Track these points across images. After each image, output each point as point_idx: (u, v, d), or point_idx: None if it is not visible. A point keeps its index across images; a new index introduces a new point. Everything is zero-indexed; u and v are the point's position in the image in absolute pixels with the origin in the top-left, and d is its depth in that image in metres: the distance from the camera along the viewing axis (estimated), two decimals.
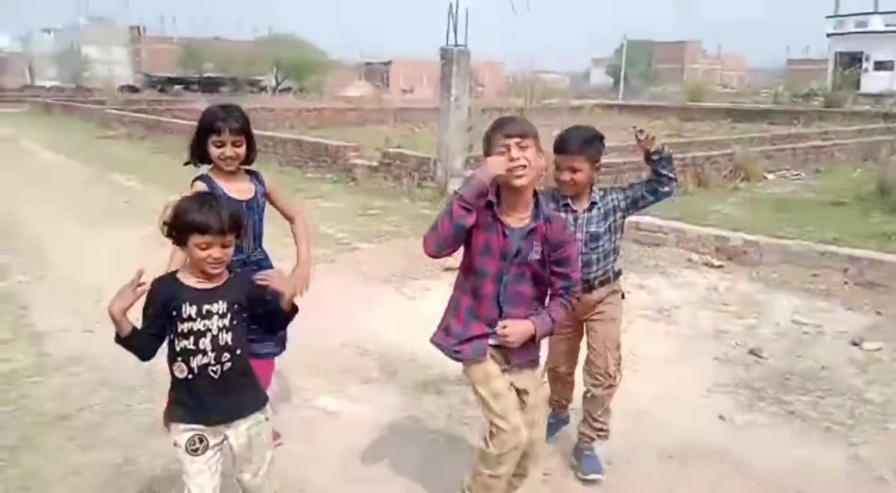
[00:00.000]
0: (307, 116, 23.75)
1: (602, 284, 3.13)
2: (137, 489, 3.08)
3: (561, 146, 2.99)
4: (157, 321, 2.28)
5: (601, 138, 3.07)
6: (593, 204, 3.05)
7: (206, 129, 2.99)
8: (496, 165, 2.38)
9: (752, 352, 4.67)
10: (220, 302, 2.31)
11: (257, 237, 3.21)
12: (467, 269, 2.58)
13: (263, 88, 49.59)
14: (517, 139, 2.42)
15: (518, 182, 2.42)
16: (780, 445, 3.58)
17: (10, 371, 4.27)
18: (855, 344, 4.81)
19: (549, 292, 2.62)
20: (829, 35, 51.29)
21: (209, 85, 49.08)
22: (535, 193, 2.53)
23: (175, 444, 2.35)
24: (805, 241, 6.89)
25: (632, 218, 7.39)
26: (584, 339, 3.24)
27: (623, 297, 3.28)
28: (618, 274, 3.22)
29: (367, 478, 3.21)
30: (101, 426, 3.62)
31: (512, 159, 2.39)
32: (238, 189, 3.07)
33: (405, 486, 3.16)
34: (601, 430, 3.26)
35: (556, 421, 3.52)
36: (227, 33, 61.76)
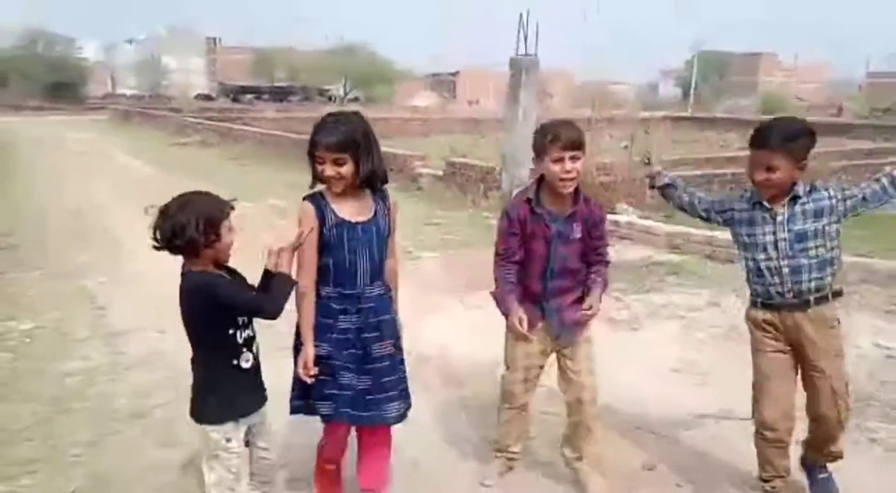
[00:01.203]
0: (375, 126, 23.99)
1: (818, 302, 2.75)
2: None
3: (758, 141, 2.70)
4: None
5: (811, 133, 2.72)
6: (796, 198, 2.71)
7: (310, 146, 2.56)
8: (515, 329, 2.88)
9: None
10: None
11: (375, 268, 2.65)
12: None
13: (332, 98, 50.53)
14: (572, 152, 2.69)
15: (566, 191, 2.77)
16: (860, 472, 3.39)
17: (88, 369, 4.42)
18: None
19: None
20: None
21: (279, 94, 50.30)
22: (576, 188, 2.82)
23: (228, 440, 2.41)
24: (888, 260, 6.58)
25: (704, 233, 7.26)
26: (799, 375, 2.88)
27: (839, 323, 2.83)
28: (837, 294, 2.80)
29: (424, 488, 3.19)
30: (174, 424, 3.70)
31: (566, 171, 2.70)
32: (351, 209, 2.61)
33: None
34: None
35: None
36: (298, 43, 63.32)
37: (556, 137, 2.70)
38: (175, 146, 19.32)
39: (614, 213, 8.99)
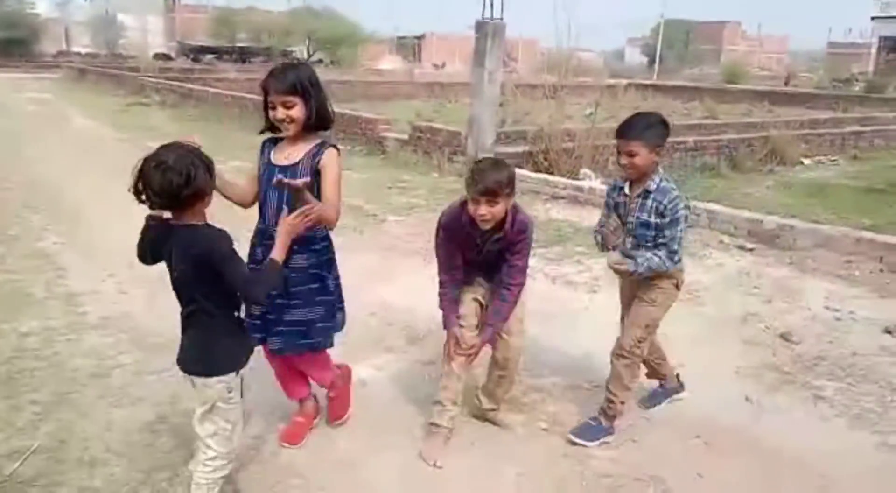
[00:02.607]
0: (338, 89, 23.67)
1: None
2: (170, 446, 3.15)
3: (621, 131, 3.11)
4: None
5: (665, 124, 3.14)
6: (648, 192, 3.11)
7: (262, 90, 2.79)
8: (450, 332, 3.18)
9: (781, 336, 4.63)
10: None
11: (287, 209, 2.74)
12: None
13: (295, 60, 49.55)
14: (488, 197, 2.84)
15: (484, 228, 2.95)
16: (807, 429, 3.55)
17: (46, 329, 4.37)
18: (888, 332, 4.74)
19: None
20: (873, 18, 49.82)
21: (241, 55, 49.18)
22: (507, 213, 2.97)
23: (229, 391, 2.43)
24: (840, 226, 6.78)
25: None
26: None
27: (677, 287, 3.32)
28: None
29: (393, 446, 3.25)
30: (133, 385, 3.70)
31: (480, 214, 2.87)
32: (285, 154, 2.84)
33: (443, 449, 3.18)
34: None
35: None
36: (261, 3, 61.73)
37: (473, 182, 2.86)
38: (133, 106, 18.84)
39: (577, 179, 9.07)
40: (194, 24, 58.84)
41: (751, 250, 6.50)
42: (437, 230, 3.17)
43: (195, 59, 46.25)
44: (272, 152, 2.89)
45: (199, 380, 2.42)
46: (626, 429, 3.41)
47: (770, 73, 45.83)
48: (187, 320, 2.44)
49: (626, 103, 14.14)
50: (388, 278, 5.52)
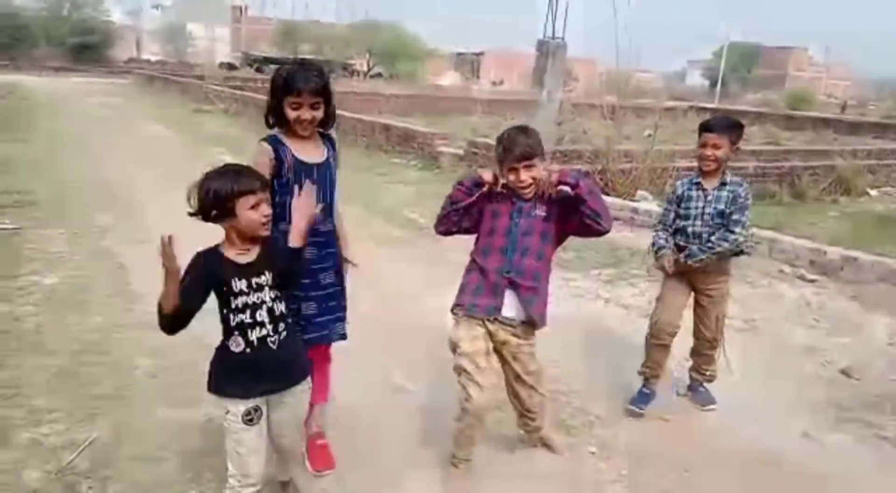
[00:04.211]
0: (396, 103, 23.97)
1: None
2: (218, 446, 3.19)
3: (708, 126, 3.57)
4: (197, 295, 2.27)
5: (743, 127, 3.65)
6: (724, 184, 3.57)
7: (283, 89, 2.75)
8: (488, 177, 2.85)
9: (842, 372, 4.47)
10: (266, 274, 2.37)
11: (327, 206, 2.91)
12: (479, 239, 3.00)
13: (355, 72, 50.33)
14: (525, 162, 2.80)
15: (527, 196, 2.87)
16: (866, 468, 3.42)
17: (109, 326, 4.51)
18: None
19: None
20: None
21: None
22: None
23: (227, 412, 2.41)
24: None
25: None
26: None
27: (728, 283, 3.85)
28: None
29: (432, 461, 3.23)
30: (188, 386, 3.77)
31: (520, 181, 2.81)
32: (309, 152, 2.85)
33: (473, 472, 3.15)
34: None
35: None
36: (325, 17, 62.96)
37: (507, 152, 2.83)
38: (197, 113, 19.38)
39: (634, 200, 8.96)
40: (259, 35, 60.37)
41: (812, 281, 6.31)
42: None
43: (258, 70, 47.30)
44: (292, 151, 2.81)
45: (298, 388, 2.51)
46: (681, 461, 3.33)
47: (837, 100, 44.63)
48: (283, 325, 2.44)
49: (686, 126, 13.94)
50: (437, 289, 5.52)
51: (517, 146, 2.81)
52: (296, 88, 2.72)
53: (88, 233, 6.70)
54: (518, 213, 2.89)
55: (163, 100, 23.64)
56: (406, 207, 8.35)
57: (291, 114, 2.76)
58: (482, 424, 3.03)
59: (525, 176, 2.81)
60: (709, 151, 3.52)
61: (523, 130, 2.93)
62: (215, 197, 2.25)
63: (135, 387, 3.73)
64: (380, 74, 50.32)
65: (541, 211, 2.89)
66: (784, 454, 3.47)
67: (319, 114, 2.80)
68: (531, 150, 2.80)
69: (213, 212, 2.27)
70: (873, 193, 12.15)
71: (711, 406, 3.88)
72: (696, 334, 3.86)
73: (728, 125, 3.57)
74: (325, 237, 2.93)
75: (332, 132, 3.00)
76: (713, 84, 53.02)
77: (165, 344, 4.24)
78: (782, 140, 17.98)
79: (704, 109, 26.20)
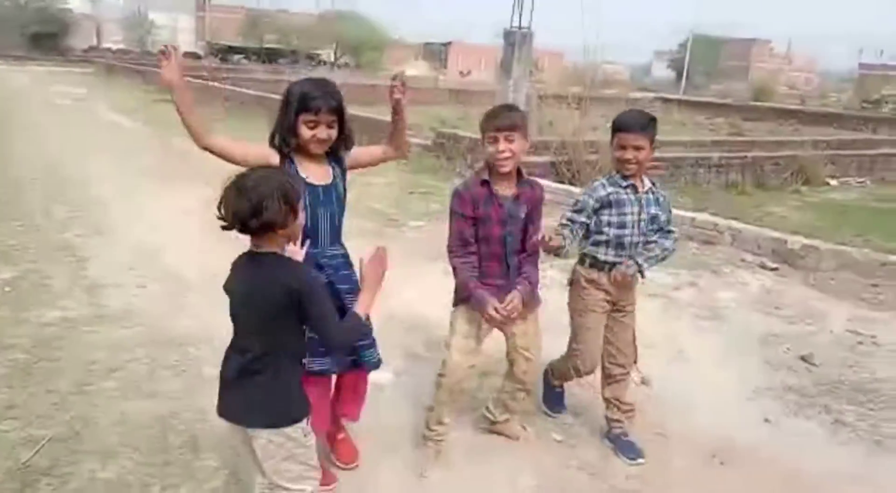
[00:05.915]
0: (362, 92, 23.75)
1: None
2: (182, 441, 3.15)
3: (627, 125, 3.09)
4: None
5: (656, 119, 3.19)
6: (653, 184, 3.22)
7: (299, 106, 2.60)
8: (486, 308, 2.88)
9: (803, 358, 4.55)
10: None
11: (335, 230, 2.80)
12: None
13: (321, 62, 49.93)
14: (506, 132, 2.82)
15: (504, 170, 2.87)
16: (825, 453, 3.48)
17: (66, 320, 4.41)
18: None
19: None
20: None
21: (269, 56, 49.61)
22: (518, 170, 2.95)
23: (306, 435, 2.25)
24: (866, 249, 6.68)
25: (686, 214, 7.33)
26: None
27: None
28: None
29: (403, 452, 3.23)
30: (148, 379, 3.71)
31: (499, 151, 2.82)
32: (315, 172, 2.71)
33: (446, 460, 3.17)
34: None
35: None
36: (290, 6, 62.22)
37: (489, 119, 2.88)
38: (160, 102, 19.03)
39: None
40: (224, 24, 59.49)
41: (774, 269, 6.42)
42: (452, 198, 3.00)
43: (223, 59, 46.77)
44: (300, 171, 2.68)
45: (273, 431, 2.17)
46: (643, 445, 3.36)
47: (798, 92, 45.41)
48: (257, 362, 2.16)
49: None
50: (407, 282, 5.50)
51: (502, 115, 2.90)
52: (314, 106, 2.59)
53: (46, 225, 6.54)
54: (510, 219, 2.94)
55: (125, 89, 23.19)
56: (372, 199, 8.30)
57: (307, 133, 2.62)
58: (453, 398, 3.11)
59: (504, 146, 2.83)
60: (629, 155, 3.04)
61: (510, 106, 3.07)
62: (287, 200, 2.07)
63: (93, 381, 3.65)
64: (347, 64, 49.99)
65: (522, 212, 2.97)
66: (745, 440, 3.52)
67: (334, 133, 2.69)
68: (513, 121, 2.86)
69: (282, 218, 2.08)
70: (833, 182, 12.39)
71: (640, 461, 3.24)
72: (611, 360, 3.32)
73: (646, 122, 3.09)
74: (335, 261, 2.80)
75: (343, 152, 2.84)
76: (679, 76, 53.63)
77: (124, 338, 4.20)
78: (745, 131, 18.24)
79: (669, 100, 26.52)
